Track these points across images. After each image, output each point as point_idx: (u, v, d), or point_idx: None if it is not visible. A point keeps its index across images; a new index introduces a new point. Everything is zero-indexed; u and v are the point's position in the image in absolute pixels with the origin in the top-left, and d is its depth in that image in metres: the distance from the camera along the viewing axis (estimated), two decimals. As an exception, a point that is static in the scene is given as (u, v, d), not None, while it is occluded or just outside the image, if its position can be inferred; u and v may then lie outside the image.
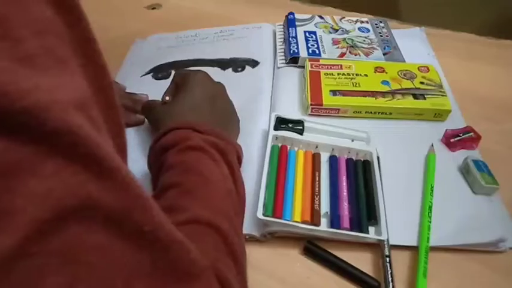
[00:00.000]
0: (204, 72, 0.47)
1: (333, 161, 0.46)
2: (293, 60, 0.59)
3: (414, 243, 0.40)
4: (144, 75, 0.62)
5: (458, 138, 0.48)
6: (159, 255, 0.20)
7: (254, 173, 0.45)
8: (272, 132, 0.47)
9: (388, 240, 0.39)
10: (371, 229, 0.40)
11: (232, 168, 0.38)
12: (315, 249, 0.39)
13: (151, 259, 0.20)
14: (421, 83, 0.54)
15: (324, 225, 0.40)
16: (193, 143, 0.37)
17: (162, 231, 0.20)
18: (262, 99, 0.55)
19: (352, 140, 0.48)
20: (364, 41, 0.62)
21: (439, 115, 0.51)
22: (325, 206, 0.42)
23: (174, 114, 0.43)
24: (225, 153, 0.38)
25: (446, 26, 0.69)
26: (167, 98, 0.46)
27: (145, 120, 0.52)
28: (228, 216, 0.33)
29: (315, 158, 0.45)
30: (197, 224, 0.30)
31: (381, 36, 0.64)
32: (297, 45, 0.60)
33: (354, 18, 0.67)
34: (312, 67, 0.56)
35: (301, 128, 0.48)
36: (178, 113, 0.43)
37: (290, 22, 0.66)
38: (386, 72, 0.55)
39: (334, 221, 0.40)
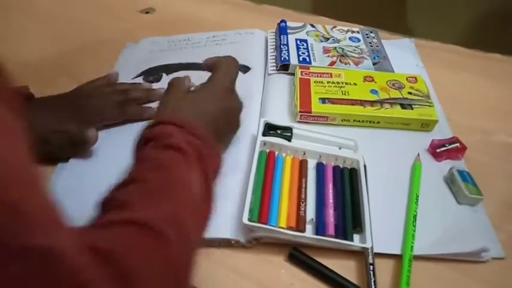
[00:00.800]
0: (233, 82, 0.46)
1: (320, 168, 0.46)
2: (284, 67, 0.60)
3: (398, 252, 0.40)
4: (135, 77, 0.62)
5: (444, 148, 0.49)
6: (32, 265, 0.19)
7: (241, 177, 0.45)
8: (260, 138, 0.47)
9: (372, 248, 0.39)
10: (356, 237, 0.40)
11: (207, 177, 0.36)
12: (299, 256, 0.39)
13: (23, 270, 0.19)
14: (409, 93, 0.54)
15: (309, 232, 0.40)
16: (175, 142, 0.35)
17: (39, 239, 0.19)
18: (252, 105, 0.55)
19: (340, 148, 0.48)
20: (355, 50, 0.63)
21: (426, 125, 0.52)
22: (310, 213, 0.42)
23: (180, 107, 0.41)
24: (204, 161, 0.36)
25: (434, 35, 0.70)
26: (192, 88, 0.46)
27: None
28: (181, 224, 0.31)
29: (302, 165, 0.46)
30: (136, 225, 0.28)
31: (371, 46, 0.64)
32: (288, 52, 0.61)
33: (345, 28, 0.68)
34: (302, 74, 0.56)
35: (289, 134, 0.48)
36: (183, 108, 0.41)
37: (282, 30, 0.66)
38: (375, 82, 0.56)
39: (320, 228, 0.40)
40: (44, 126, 0.47)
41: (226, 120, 0.44)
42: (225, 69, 0.46)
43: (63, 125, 0.48)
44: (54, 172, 0.49)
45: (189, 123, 0.38)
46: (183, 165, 0.35)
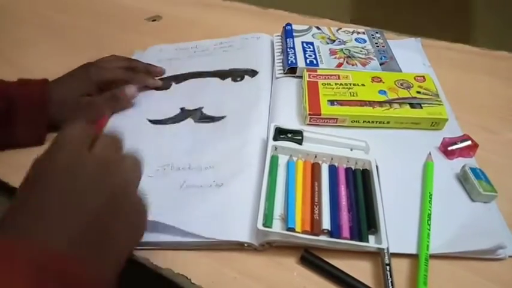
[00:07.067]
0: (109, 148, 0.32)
1: (332, 170, 0.46)
2: (291, 70, 0.60)
3: (414, 251, 0.40)
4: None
5: (456, 146, 0.49)
6: None
7: (253, 181, 0.45)
8: (271, 143, 0.47)
9: (388, 248, 0.39)
10: (371, 238, 0.40)
11: None
12: (311, 259, 0.39)
13: None
14: (418, 92, 0.54)
15: (324, 235, 0.40)
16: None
17: None
18: (260, 108, 0.55)
19: (351, 149, 0.48)
20: (361, 51, 0.63)
21: (436, 124, 0.52)
22: (325, 216, 0.42)
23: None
24: None
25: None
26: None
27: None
28: None
29: (314, 168, 0.46)
30: None
31: (377, 46, 0.65)
32: (295, 55, 0.61)
33: (351, 29, 0.68)
34: (309, 77, 0.57)
35: (300, 138, 0.48)
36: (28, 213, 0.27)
37: (288, 33, 0.66)
38: (383, 82, 0.56)
39: (334, 231, 0.40)
40: (69, 94, 0.52)
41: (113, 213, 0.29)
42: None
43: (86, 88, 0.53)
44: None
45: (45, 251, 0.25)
46: None
